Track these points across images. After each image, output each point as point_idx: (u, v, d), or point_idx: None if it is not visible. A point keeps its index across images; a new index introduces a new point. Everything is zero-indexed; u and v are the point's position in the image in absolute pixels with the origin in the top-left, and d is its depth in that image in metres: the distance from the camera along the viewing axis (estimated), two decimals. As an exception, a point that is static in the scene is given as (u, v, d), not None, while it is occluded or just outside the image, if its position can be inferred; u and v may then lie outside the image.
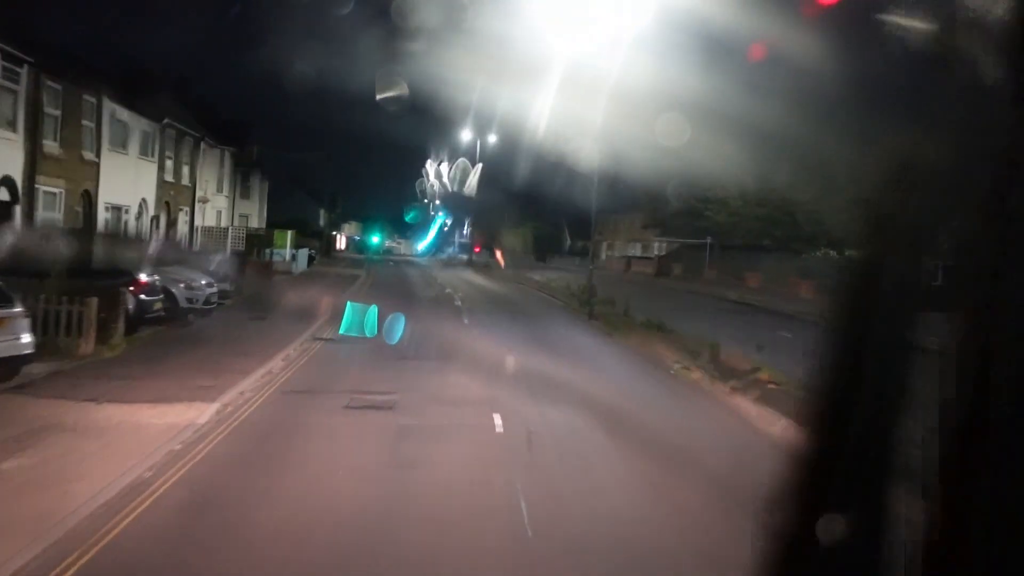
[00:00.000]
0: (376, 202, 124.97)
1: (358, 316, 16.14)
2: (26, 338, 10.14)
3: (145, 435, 8.04)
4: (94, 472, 6.68)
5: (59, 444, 7.56)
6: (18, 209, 19.65)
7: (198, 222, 34.47)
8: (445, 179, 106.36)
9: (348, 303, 17.41)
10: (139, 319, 14.66)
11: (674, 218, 55.42)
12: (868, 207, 1.20)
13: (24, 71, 19.30)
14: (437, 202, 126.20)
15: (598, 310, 24.50)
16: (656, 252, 67.61)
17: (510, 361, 13.49)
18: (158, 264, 19.55)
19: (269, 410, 10.05)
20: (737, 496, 5.87)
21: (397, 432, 9.06)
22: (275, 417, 9.73)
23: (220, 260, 22.97)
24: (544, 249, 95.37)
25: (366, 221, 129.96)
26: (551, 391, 11.29)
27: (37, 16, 31.21)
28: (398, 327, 17.33)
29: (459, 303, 26.69)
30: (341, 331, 15.87)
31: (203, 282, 17.60)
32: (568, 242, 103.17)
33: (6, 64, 18.73)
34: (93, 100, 23.70)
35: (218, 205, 37.47)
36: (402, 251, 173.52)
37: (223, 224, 37.74)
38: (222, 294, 21.21)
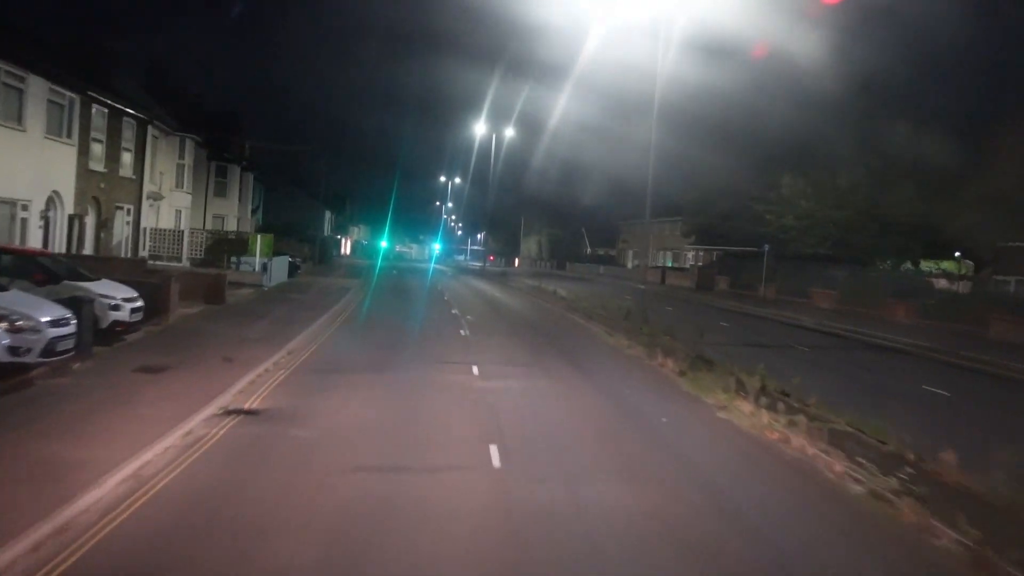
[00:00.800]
0: (388, 206, 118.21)
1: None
2: None
3: None
4: None
5: None
6: None
7: (147, 223, 27.68)
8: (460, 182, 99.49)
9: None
10: None
11: (722, 222, 48.21)
12: None
13: None
14: (450, 205, 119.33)
15: (655, 343, 17.34)
16: (692, 262, 60.22)
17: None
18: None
19: None
20: None
21: None
22: None
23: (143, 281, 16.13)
24: (562, 256, 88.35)
25: (377, 225, 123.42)
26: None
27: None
28: (355, 409, 10.43)
29: (467, 332, 19.76)
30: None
31: (45, 318, 10.68)
32: (587, 248, 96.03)
33: None
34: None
35: (177, 203, 30.69)
36: (413, 256, 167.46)
37: (184, 226, 30.93)
38: (130, 325, 14.38)
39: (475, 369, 14.20)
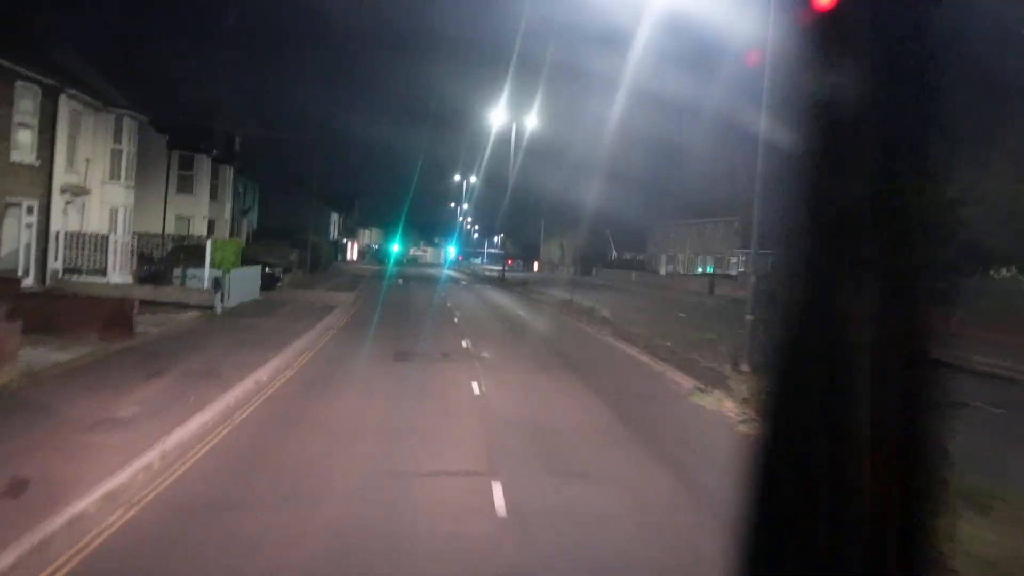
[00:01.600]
0: (401, 207, 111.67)
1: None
2: None
3: None
4: None
5: None
6: None
7: (59, 225, 20.88)
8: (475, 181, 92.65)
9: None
10: None
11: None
12: None
13: None
14: (466, 206, 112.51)
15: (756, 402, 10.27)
16: (744, 267, 52.82)
17: None
18: None
19: None
20: None
21: None
22: None
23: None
24: (587, 261, 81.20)
25: (389, 227, 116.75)
26: None
27: None
28: None
29: (482, 388, 12.79)
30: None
31: None
32: (613, 253, 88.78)
33: None
34: None
35: (113, 200, 23.87)
36: (428, 259, 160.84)
37: (124, 229, 24.09)
38: None
39: (498, 498, 7.19)
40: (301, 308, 23.93)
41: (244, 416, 10.16)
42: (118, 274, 22.94)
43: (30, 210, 19.59)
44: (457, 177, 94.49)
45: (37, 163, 19.58)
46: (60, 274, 20.41)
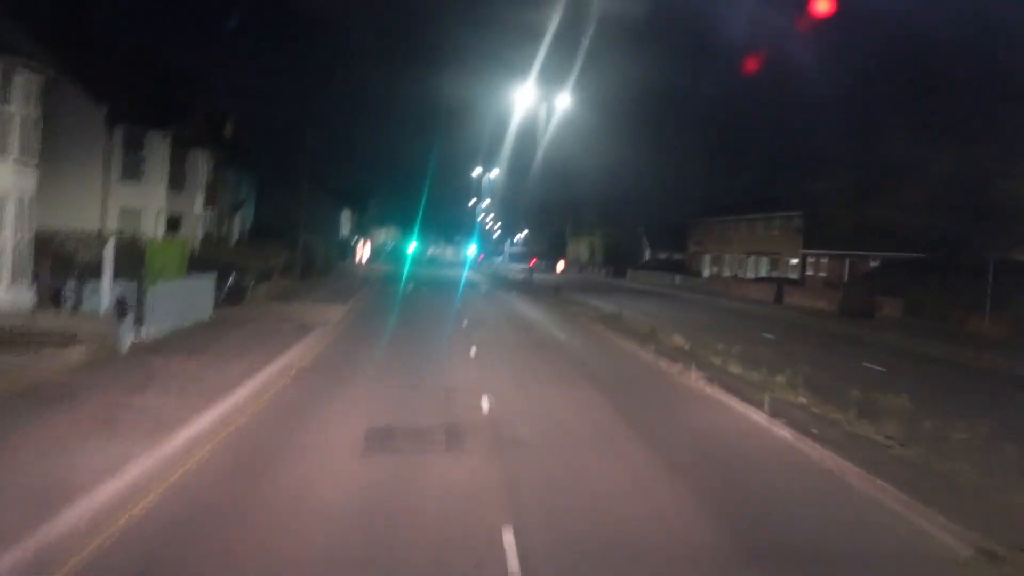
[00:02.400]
0: (418, 205, 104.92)
1: None
2: None
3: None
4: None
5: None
6: None
7: None
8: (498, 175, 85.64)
9: None
10: None
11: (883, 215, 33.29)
12: None
13: None
14: (487, 202, 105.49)
15: None
16: (811, 271, 45.11)
17: None
18: None
19: None
20: None
21: None
22: None
23: None
24: (619, 260, 73.79)
25: (406, 225, 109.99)
26: None
27: None
28: None
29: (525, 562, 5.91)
30: None
31: None
32: (647, 252, 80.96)
33: None
34: None
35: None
36: (448, 258, 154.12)
37: (18, 224, 17.27)
38: None
39: None
40: (262, 334, 17.06)
41: None
42: (5, 290, 16.25)
43: None
44: (478, 170, 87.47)
45: None
46: None
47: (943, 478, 8.44)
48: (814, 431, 10.47)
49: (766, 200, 53.63)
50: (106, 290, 14.80)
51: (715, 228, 62.09)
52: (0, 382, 10.38)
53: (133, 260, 17.03)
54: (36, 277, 16.76)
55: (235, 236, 48.56)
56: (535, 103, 44.00)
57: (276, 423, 10.01)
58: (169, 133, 26.82)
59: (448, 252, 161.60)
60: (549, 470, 8.39)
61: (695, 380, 14.53)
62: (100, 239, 19.28)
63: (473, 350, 17.34)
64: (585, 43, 45.98)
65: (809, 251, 44.14)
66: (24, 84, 17.44)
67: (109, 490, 6.60)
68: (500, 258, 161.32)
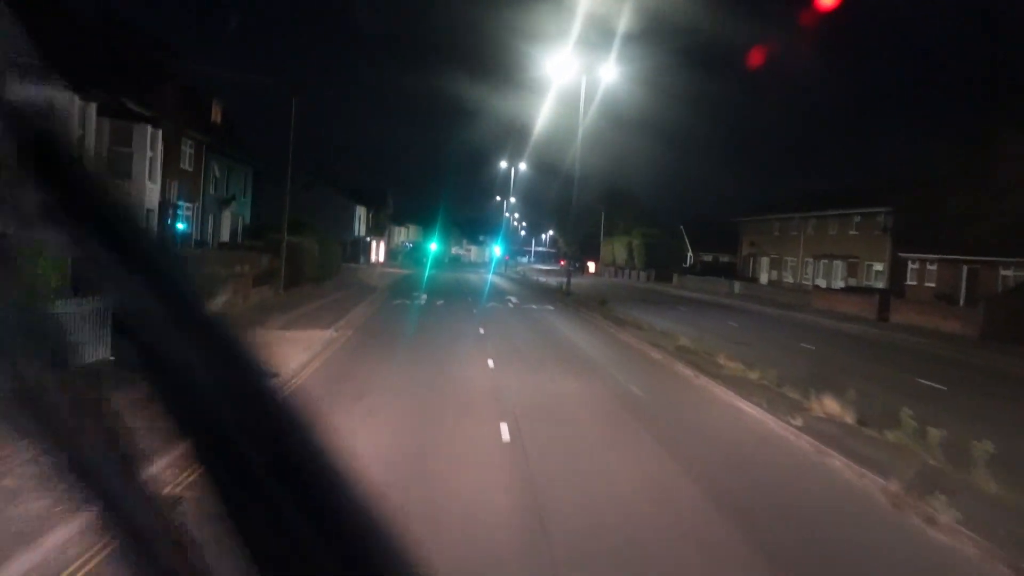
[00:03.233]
0: (441, 202, 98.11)
1: None
2: None
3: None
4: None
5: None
6: None
7: None
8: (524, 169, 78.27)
9: None
10: None
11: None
12: None
13: None
14: (512, 200, 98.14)
15: None
16: (915, 280, 36.98)
17: None
18: None
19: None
20: None
21: None
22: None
23: None
24: (661, 264, 66.02)
25: (428, 224, 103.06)
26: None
27: None
28: None
29: None
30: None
31: None
32: (689, 254, 72.93)
33: None
34: None
35: None
36: (472, 259, 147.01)
37: None
38: None
39: None
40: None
41: None
42: None
43: None
44: (503, 164, 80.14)
45: None
46: None
47: None
48: None
49: (839, 194, 45.68)
50: None
51: (773, 227, 54.14)
52: None
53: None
54: None
55: (224, 236, 41.92)
56: (570, 94, 36.73)
57: None
58: (90, 99, 19.77)
59: (471, 252, 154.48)
60: None
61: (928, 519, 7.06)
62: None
63: (505, 431, 9.97)
64: (620, 33, 38.51)
65: (910, 254, 36.13)
66: None
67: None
68: (525, 258, 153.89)
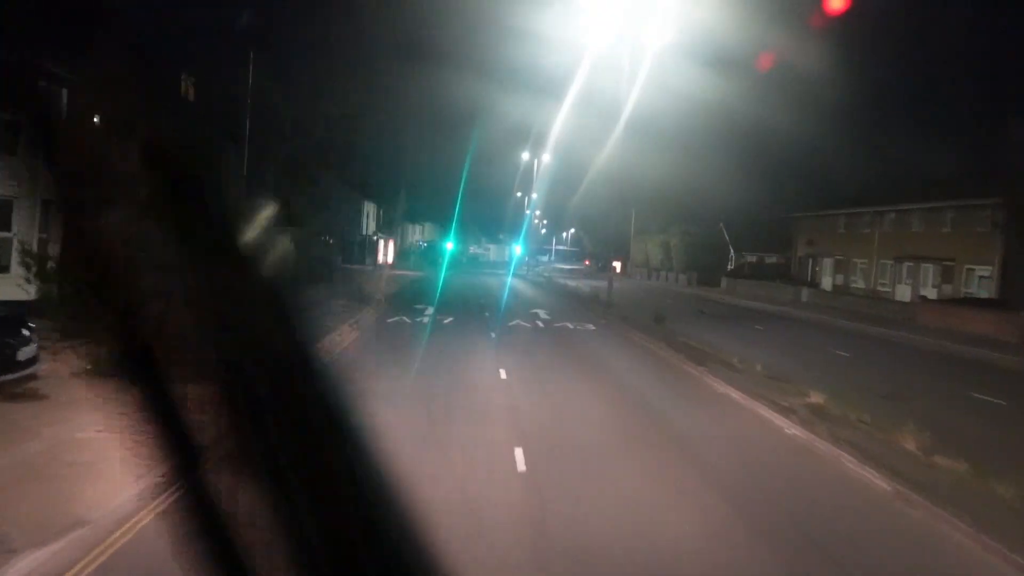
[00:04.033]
0: (459, 199, 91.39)
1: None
2: None
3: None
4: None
5: None
6: None
7: None
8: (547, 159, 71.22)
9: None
10: None
11: None
12: None
13: None
14: (534, 196, 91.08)
15: None
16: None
17: None
18: None
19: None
20: None
21: None
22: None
23: None
24: (704, 266, 58.57)
25: (444, 222, 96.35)
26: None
27: None
28: None
29: None
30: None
31: None
32: (731, 254, 65.32)
33: None
34: None
35: None
36: (492, 258, 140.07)
37: None
38: None
39: None
40: None
41: None
42: None
43: None
44: (526, 155, 73.09)
45: None
46: None
47: None
48: None
49: (926, 185, 38.15)
50: None
51: (837, 224, 46.67)
52: None
53: None
54: None
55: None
56: (593, 91, 29.81)
57: None
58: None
59: (491, 251, 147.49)
60: None
61: None
62: None
63: None
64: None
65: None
66: None
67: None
68: (546, 257, 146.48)
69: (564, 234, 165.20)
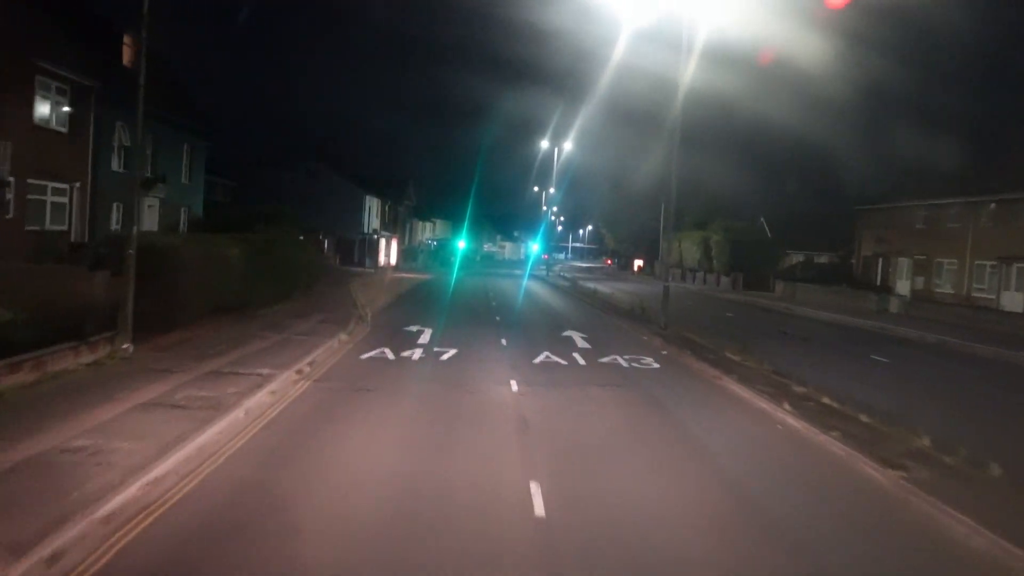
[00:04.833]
0: (472, 195, 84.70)
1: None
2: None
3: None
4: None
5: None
6: None
7: None
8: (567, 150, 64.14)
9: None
10: None
11: None
12: None
13: None
14: (552, 191, 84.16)
15: None
16: None
17: None
18: None
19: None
20: None
21: None
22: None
23: None
24: (749, 266, 51.08)
25: (457, 219, 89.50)
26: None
27: None
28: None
29: None
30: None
31: None
32: (783, 255, 57.24)
33: None
34: None
35: None
36: (506, 256, 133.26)
37: None
38: None
39: None
40: None
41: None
42: None
43: None
44: (544, 143, 66.20)
45: None
46: None
47: None
48: None
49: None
50: None
51: (915, 217, 39.35)
52: None
53: None
54: None
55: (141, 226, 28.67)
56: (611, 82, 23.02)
57: None
58: None
59: (505, 249, 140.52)
60: None
61: None
62: None
63: None
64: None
65: None
66: None
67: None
68: (562, 254, 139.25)
69: (580, 231, 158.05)
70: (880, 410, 11.28)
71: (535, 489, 7.35)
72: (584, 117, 63.46)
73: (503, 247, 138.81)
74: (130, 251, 13.24)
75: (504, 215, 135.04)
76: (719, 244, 52.41)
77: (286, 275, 23.94)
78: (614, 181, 75.58)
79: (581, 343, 18.75)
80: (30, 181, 20.38)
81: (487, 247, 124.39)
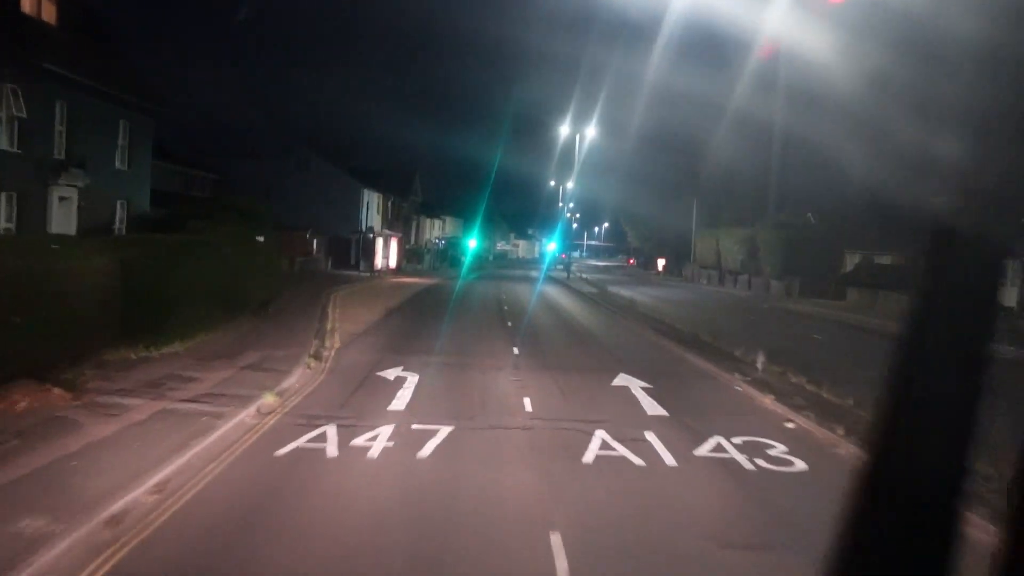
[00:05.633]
0: (484, 191, 78.19)
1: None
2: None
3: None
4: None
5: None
6: None
7: None
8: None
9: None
10: None
11: None
12: None
13: None
14: (570, 185, 77.14)
15: None
16: None
17: None
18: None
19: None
20: None
21: None
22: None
23: None
24: (807, 270, 43.48)
25: (468, 216, 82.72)
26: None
27: None
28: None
29: None
30: None
31: None
32: (848, 257, 49.39)
33: None
34: None
35: None
36: (520, 255, 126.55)
37: None
38: None
39: None
40: None
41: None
42: None
43: None
44: (564, 129, 59.18)
45: None
46: None
47: None
48: None
49: None
50: None
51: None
52: None
53: None
54: None
55: (51, 230, 21.96)
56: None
57: None
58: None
59: (519, 247, 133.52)
60: None
61: None
62: None
63: None
64: None
65: None
66: None
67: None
68: (577, 252, 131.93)
69: (596, 228, 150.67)
70: None
71: None
72: (605, 102, 56.31)
73: (516, 245, 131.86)
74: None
75: (518, 212, 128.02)
76: (769, 244, 45.16)
77: (223, 290, 17.21)
78: (638, 176, 68.34)
79: (649, 404, 11.81)
80: None
81: (500, 245, 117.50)
